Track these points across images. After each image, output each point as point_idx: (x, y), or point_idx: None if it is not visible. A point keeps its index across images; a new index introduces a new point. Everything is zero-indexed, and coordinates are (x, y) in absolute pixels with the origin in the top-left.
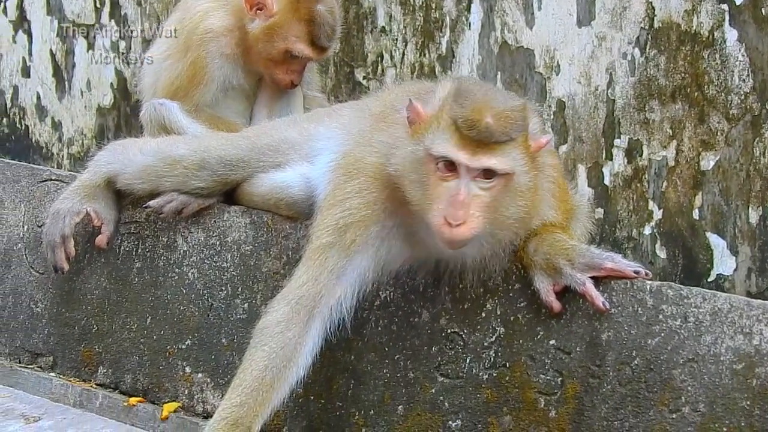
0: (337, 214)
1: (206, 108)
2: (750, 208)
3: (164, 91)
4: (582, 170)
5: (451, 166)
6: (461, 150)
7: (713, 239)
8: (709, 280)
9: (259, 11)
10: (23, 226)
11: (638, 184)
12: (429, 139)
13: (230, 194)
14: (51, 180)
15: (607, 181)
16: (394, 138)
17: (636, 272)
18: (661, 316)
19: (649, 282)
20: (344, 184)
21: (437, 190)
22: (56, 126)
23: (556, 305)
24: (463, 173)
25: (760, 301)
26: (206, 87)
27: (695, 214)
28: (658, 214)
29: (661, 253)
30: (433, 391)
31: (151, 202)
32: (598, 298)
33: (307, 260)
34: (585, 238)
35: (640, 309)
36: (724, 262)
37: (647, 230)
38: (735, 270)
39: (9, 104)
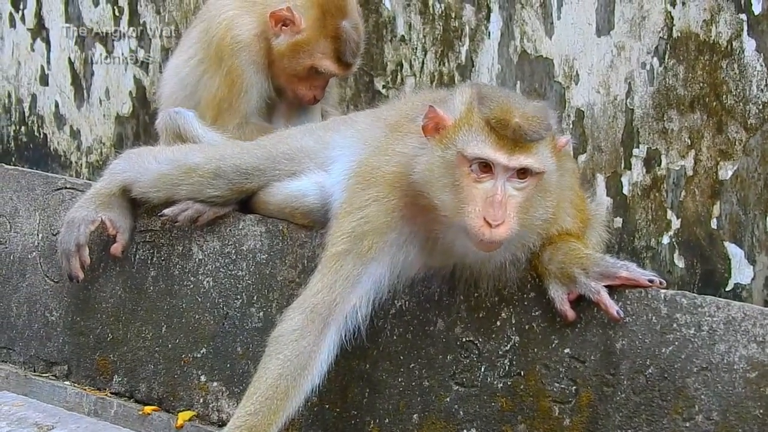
0: (354, 221)
1: (253, 119)
2: None
3: (209, 107)
4: (601, 180)
5: (486, 167)
6: (498, 150)
7: (731, 249)
8: (726, 289)
9: (284, 27)
10: (38, 235)
11: (657, 194)
12: (462, 142)
13: (246, 203)
14: (66, 188)
15: (625, 191)
16: (413, 146)
17: (650, 281)
18: (675, 325)
19: (663, 291)
20: (361, 192)
21: (472, 192)
22: (75, 134)
23: (570, 314)
24: (499, 174)
25: None
26: (247, 95)
27: (713, 224)
28: (676, 223)
29: (680, 263)
30: (448, 399)
31: (166, 211)
32: (613, 307)
33: (322, 268)
34: (600, 247)
35: (654, 318)
36: (741, 272)
37: (665, 240)
38: (753, 279)
39: (27, 113)
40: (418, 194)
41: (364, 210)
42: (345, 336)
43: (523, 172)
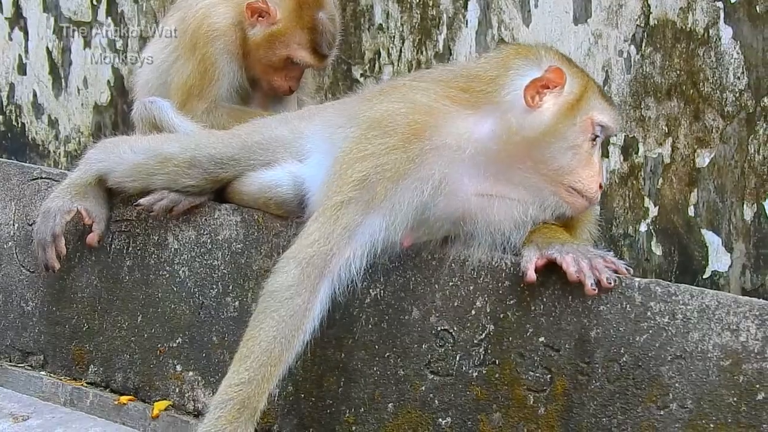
0: (367, 169)
1: (224, 103)
2: (745, 205)
3: (178, 92)
4: None
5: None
6: (615, 120)
7: (708, 236)
8: (704, 276)
9: (260, 18)
10: (13, 225)
11: (634, 182)
12: (593, 108)
13: (221, 192)
14: (41, 178)
15: (603, 179)
16: (440, 102)
17: (602, 257)
18: (649, 313)
19: (638, 279)
20: (376, 140)
21: (590, 157)
22: (53, 124)
23: (531, 275)
24: (600, 141)
25: (747, 298)
26: (218, 82)
27: (690, 211)
28: (653, 211)
29: (657, 250)
30: (423, 388)
31: (142, 200)
32: (570, 268)
33: (320, 216)
34: (589, 243)
35: (628, 306)
36: (719, 259)
37: (643, 227)
38: (730, 267)
39: (5, 102)
40: (442, 146)
41: (382, 158)
42: (338, 289)
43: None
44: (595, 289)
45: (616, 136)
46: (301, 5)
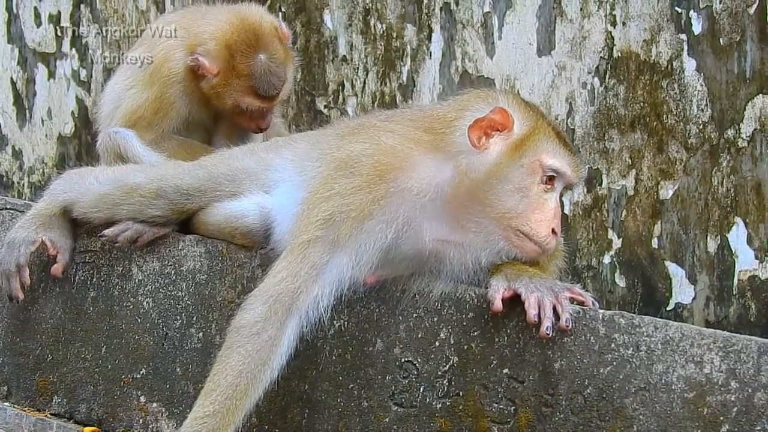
0: (332, 209)
1: (174, 135)
2: (708, 237)
3: (125, 118)
4: None
5: (550, 179)
6: (571, 165)
7: (672, 268)
8: (668, 308)
9: (203, 73)
10: None
11: (598, 213)
12: (542, 151)
13: (186, 223)
14: (6, 209)
15: (566, 210)
16: (404, 145)
17: (569, 289)
18: (613, 345)
19: (602, 311)
20: (343, 180)
21: (540, 201)
22: (17, 155)
23: (497, 304)
24: (558, 187)
25: (711, 330)
26: (170, 120)
27: (654, 243)
28: (617, 243)
29: (621, 282)
30: (387, 420)
31: (106, 231)
32: (531, 310)
33: (288, 255)
34: (556, 275)
35: (592, 338)
36: (682, 291)
37: (607, 259)
38: (694, 299)
39: None
40: (408, 190)
41: (347, 198)
42: (306, 327)
43: (565, 189)
44: (548, 333)
45: (576, 185)
46: (233, 54)
